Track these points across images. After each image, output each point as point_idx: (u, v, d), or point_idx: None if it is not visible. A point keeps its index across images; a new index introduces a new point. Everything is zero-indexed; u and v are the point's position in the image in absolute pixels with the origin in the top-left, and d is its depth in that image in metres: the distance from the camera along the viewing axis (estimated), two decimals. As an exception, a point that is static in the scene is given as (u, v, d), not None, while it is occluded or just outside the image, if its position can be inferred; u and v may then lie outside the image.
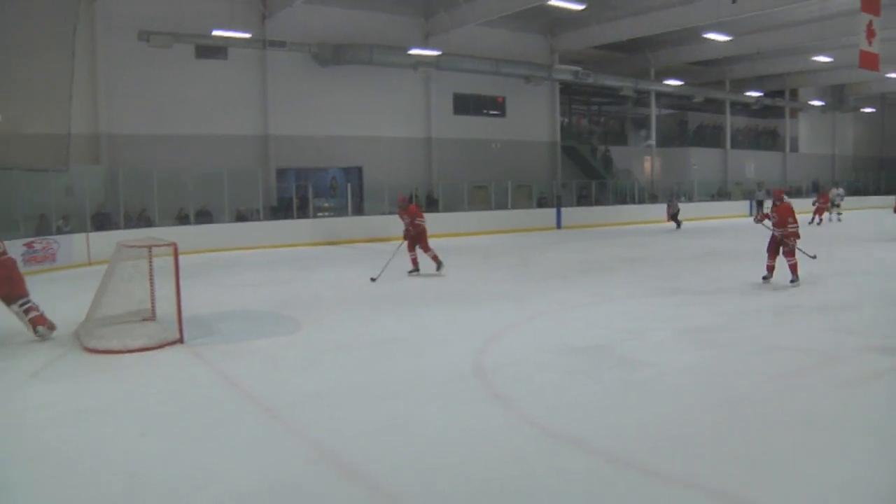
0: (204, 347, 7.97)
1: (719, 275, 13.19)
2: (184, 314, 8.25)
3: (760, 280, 11.57)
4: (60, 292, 11.44)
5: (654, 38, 29.23)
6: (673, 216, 25.96)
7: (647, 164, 35.62)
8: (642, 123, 36.15)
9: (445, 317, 9.69)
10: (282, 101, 23.74)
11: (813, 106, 41.94)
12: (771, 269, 11.55)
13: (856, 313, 9.37)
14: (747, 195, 35.07)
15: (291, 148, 24.06)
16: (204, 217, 20.70)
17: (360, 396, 6.10)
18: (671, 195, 29.31)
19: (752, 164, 39.86)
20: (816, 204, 27.09)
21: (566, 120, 33.99)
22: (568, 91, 33.58)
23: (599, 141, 35.15)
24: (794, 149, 43.05)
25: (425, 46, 25.44)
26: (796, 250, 11.44)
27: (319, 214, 23.63)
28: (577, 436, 5.01)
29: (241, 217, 21.57)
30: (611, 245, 19.97)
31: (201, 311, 9.92)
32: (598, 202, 30.51)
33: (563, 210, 27.77)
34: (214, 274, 14.55)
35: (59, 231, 17.11)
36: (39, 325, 8.38)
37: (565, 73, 29.57)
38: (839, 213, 28.54)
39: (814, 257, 12.88)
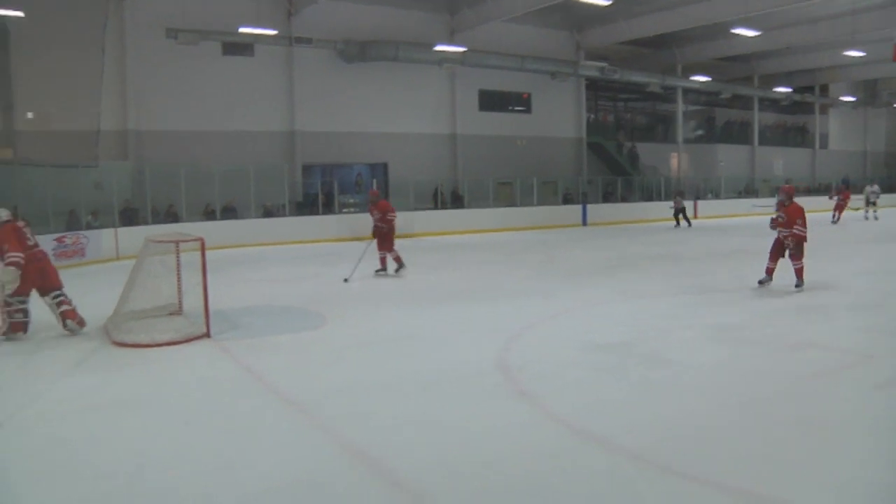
0: (230, 342, 8.03)
1: (747, 272, 12.98)
2: (210, 309, 8.31)
3: (756, 284, 10.93)
4: (89, 286, 11.58)
5: (681, 34, 28.93)
6: (677, 213, 25.50)
7: (674, 160, 35.31)
8: (674, 119, 35.75)
9: (470, 313, 9.68)
10: (308, 97, 23.84)
11: (844, 101, 41.30)
12: (770, 271, 10.89)
13: (887, 313, 9.23)
14: (775, 192, 34.59)
15: (317, 144, 24.15)
16: (230, 213, 20.87)
17: (385, 392, 6.11)
18: (675, 192, 28.35)
19: (781, 161, 39.37)
20: (836, 201, 26.08)
21: (592, 116, 33.78)
22: (594, 87, 33.36)
23: (626, 137, 34.89)
24: (824, 145, 42.44)
25: (451, 43, 25.39)
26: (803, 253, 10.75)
27: (345, 210, 23.70)
28: (600, 433, 4.98)
29: (267, 213, 21.71)
30: (637, 242, 19.83)
31: (227, 305, 9.98)
32: (624, 199, 30.32)
33: (589, 207, 27.58)
34: (240, 269, 14.64)
35: (89, 226, 17.33)
36: (69, 318, 8.49)
37: (591, 69, 29.36)
38: (875, 212, 27.72)
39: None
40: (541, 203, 26.91)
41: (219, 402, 5.96)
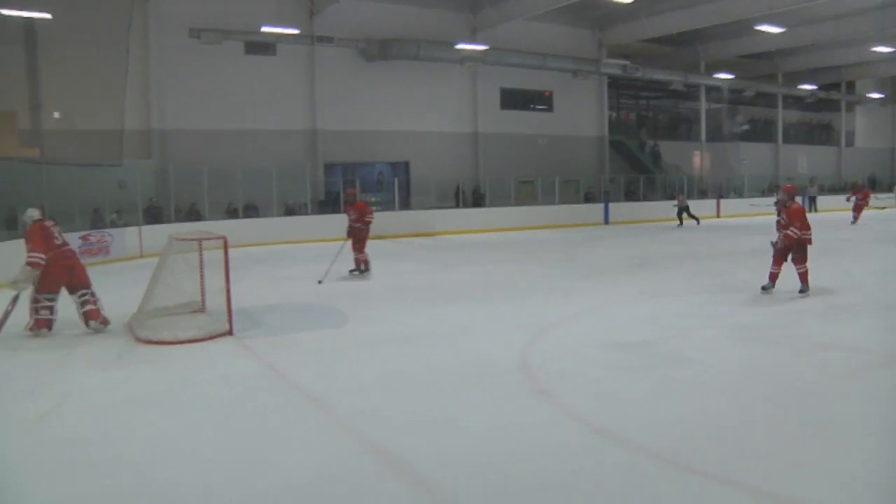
0: (252, 339, 8.08)
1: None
2: (233, 306, 8.36)
3: (760, 290, 10.29)
4: (114, 284, 11.68)
5: (704, 31, 28.70)
6: (680, 213, 25.22)
7: (697, 159, 35.06)
8: (697, 117, 35.46)
9: (492, 311, 9.68)
10: (329, 96, 23.93)
11: (871, 98, 40.78)
12: (773, 277, 10.26)
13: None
14: (799, 191, 34.18)
15: (339, 143, 24.24)
16: (252, 211, 21.00)
17: (406, 389, 6.13)
18: (677, 190, 27.86)
19: (805, 160, 38.93)
20: (854, 201, 25.29)
21: (614, 114, 33.63)
22: (616, 85, 33.20)
23: (648, 135, 34.68)
24: (850, 143, 41.91)
25: (472, 41, 25.37)
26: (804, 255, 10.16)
27: (367, 209, 23.74)
28: (620, 432, 4.96)
29: (289, 211, 21.83)
30: (659, 241, 19.71)
31: (250, 303, 10.04)
32: (647, 197, 30.12)
33: (611, 205, 27.47)
34: (263, 267, 14.73)
35: (113, 224, 17.52)
36: (92, 319, 8.57)
37: (613, 67, 29.24)
38: None
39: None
40: (562, 202, 26.83)
41: (241, 399, 6.00)
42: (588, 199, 28.18)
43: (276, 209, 21.39)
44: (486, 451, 4.71)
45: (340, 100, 24.11)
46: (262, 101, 22.74)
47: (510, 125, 28.20)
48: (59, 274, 8.45)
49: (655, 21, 26.56)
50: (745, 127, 38.51)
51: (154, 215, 19.03)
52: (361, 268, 13.17)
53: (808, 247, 10.13)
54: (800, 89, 36.93)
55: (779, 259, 10.23)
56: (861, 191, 26.20)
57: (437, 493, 4.18)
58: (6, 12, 17.55)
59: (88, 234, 15.94)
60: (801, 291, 10.08)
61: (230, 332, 8.25)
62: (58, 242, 8.57)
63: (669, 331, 8.10)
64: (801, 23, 27.00)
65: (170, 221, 18.79)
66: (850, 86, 40.57)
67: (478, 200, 25.58)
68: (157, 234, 15.32)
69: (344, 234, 13.51)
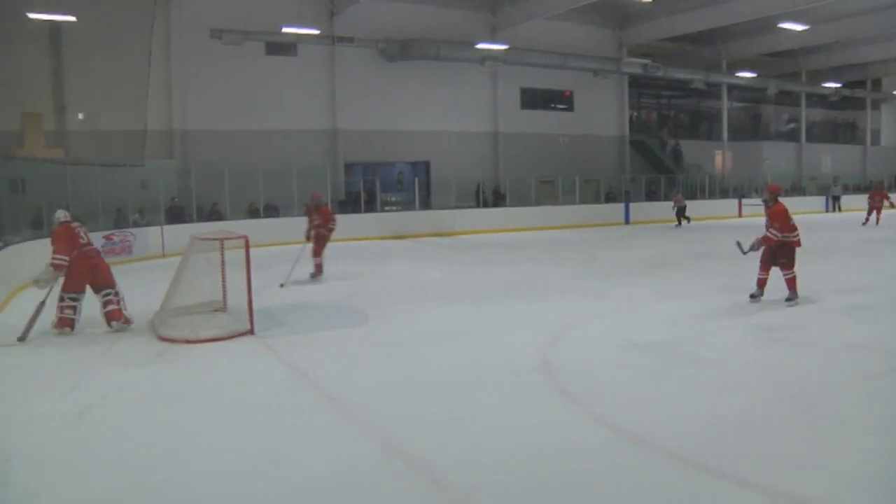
0: (273, 339, 8.12)
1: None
2: (254, 306, 8.41)
3: (749, 299, 9.64)
4: (136, 283, 11.78)
5: (725, 29, 28.51)
6: (679, 213, 24.95)
7: (719, 158, 34.79)
8: (719, 116, 35.17)
9: (512, 311, 9.67)
10: (350, 96, 24.01)
11: (898, 96, 40.25)
12: (762, 282, 9.61)
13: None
14: (822, 190, 33.92)
15: (359, 142, 24.31)
16: (273, 211, 21.10)
17: (427, 389, 6.14)
18: (675, 191, 27.26)
19: (829, 159, 38.50)
20: (870, 202, 23.98)
21: (635, 114, 33.46)
22: (637, 84, 33.00)
23: (669, 135, 34.46)
24: (876, 142, 41.38)
25: (492, 41, 25.34)
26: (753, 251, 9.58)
27: (387, 208, 23.85)
28: (641, 432, 4.93)
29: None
30: (680, 241, 19.59)
31: (271, 302, 10.11)
32: (668, 197, 29.90)
33: (632, 205, 27.35)
34: (284, 267, 14.76)
35: (136, 224, 17.68)
36: (114, 319, 8.67)
37: (634, 66, 29.11)
38: None
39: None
40: (583, 201, 26.76)
41: (261, 398, 6.03)
42: (609, 198, 28.08)
43: (296, 209, 21.45)
44: (505, 451, 4.70)
45: (361, 100, 24.19)
46: (283, 101, 22.87)
47: (530, 125, 28.15)
48: (82, 273, 8.56)
49: (676, 20, 26.41)
50: (770, 127, 38.15)
51: (176, 215, 19.18)
52: (314, 272, 13.07)
53: (797, 249, 9.54)
54: (824, 87, 36.52)
55: (766, 264, 9.59)
56: (879, 192, 24.56)
57: (456, 492, 4.18)
58: (33, 16, 17.80)
59: (112, 234, 16.10)
60: (787, 299, 9.42)
61: (251, 332, 8.29)
62: (82, 242, 8.68)
63: (689, 331, 8.05)
64: (825, 20, 26.71)
65: (191, 221, 18.93)
66: (876, 83, 40.07)
67: (498, 200, 25.57)
68: (178, 233, 15.45)
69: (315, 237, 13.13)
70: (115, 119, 19.80)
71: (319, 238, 13.03)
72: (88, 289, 8.71)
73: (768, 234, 9.36)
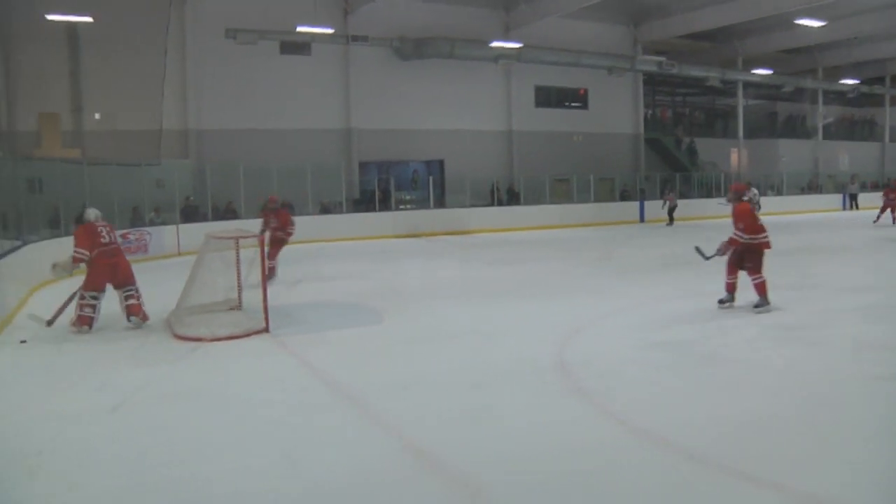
0: (288, 337, 8.13)
1: (811, 271, 12.67)
2: (269, 304, 8.43)
3: (717, 304, 9.11)
4: (152, 281, 11.81)
5: (741, 26, 28.31)
6: (671, 212, 24.78)
7: (734, 156, 34.56)
8: (734, 114, 34.93)
9: (528, 310, 9.63)
10: (364, 94, 24.04)
11: (918, 92, 39.77)
12: (730, 287, 9.05)
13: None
14: (840, 188, 33.63)
15: (374, 141, 24.33)
16: (288, 209, 21.09)
17: (443, 387, 6.12)
18: (667, 189, 26.86)
19: (846, 156, 38.13)
20: (884, 199, 23.17)
21: (650, 112, 33.31)
22: (652, 82, 32.88)
23: (684, 133, 34.27)
24: (895, 138, 40.97)
25: (506, 39, 25.29)
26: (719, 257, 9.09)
27: (401, 207, 23.86)
28: (657, 431, 4.89)
29: (324, 210, 21.97)
30: (696, 239, 19.14)
31: (286, 301, 10.13)
32: (683, 195, 29.75)
33: (647, 203, 27.18)
34: (298, 265, 14.81)
35: (152, 223, 17.77)
36: (133, 314, 8.78)
37: (649, 63, 28.95)
38: None
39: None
40: (598, 200, 26.65)
41: (277, 396, 6.03)
42: (623, 197, 27.96)
43: (311, 207, 21.53)
44: (522, 449, 4.68)
45: (375, 98, 24.21)
46: (298, 100, 22.91)
47: (545, 123, 28.07)
48: (102, 272, 8.68)
49: (691, 17, 26.27)
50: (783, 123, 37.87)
51: (191, 214, 19.27)
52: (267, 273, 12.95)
53: (767, 252, 8.93)
54: (841, 84, 36.18)
55: (732, 267, 9.01)
56: (891, 190, 23.44)
57: (472, 489, 4.15)
58: (50, 17, 17.94)
59: (128, 233, 16.19)
60: (756, 306, 8.83)
61: (266, 330, 8.30)
62: (104, 241, 8.80)
63: (707, 330, 7.99)
64: (843, 16, 26.42)
65: (206, 220, 19.01)
66: (895, 79, 39.64)
67: (512, 198, 25.52)
68: (194, 232, 15.49)
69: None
70: (131, 119, 19.92)
71: (276, 241, 12.89)
72: (109, 288, 8.81)
73: (733, 235, 8.83)
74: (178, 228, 17.80)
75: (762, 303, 8.82)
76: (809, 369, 6.44)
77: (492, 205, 24.87)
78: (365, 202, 23.26)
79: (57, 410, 5.72)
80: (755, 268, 8.83)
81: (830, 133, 38.45)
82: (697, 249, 9.36)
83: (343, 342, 7.94)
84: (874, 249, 16.34)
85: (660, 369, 6.50)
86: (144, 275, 12.33)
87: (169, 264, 15.46)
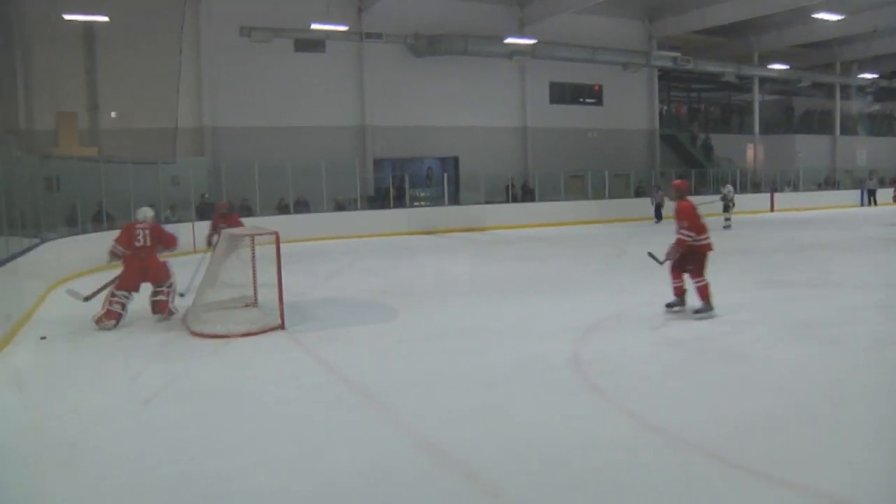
0: (303, 333, 8.16)
1: (829, 268, 12.58)
2: (284, 301, 8.47)
3: (664, 308, 8.78)
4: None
5: (757, 21, 28.06)
6: (658, 209, 24.58)
7: (750, 151, 34.32)
8: (750, 109, 34.66)
9: (542, 306, 9.62)
10: (378, 92, 24.07)
11: (939, 86, 39.29)
12: (679, 291, 8.67)
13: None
14: (857, 184, 33.32)
15: (388, 138, 24.38)
16: (302, 207, 21.23)
17: (457, 384, 6.12)
18: (654, 186, 26.37)
19: (864, 152, 37.74)
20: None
21: (665, 107, 33.12)
22: (667, 78, 32.71)
23: (700, 128, 34.07)
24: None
25: (520, 35, 25.25)
26: (671, 262, 8.62)
27: (416, 204, 23.87)
28: (673, 429, 4.88)
29: (339, 207, 22.01)
30: (712, 235, 19.28)
31: (301, 298, 10.17)
32: (698, 191, 29.57)
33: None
34: (313, 262, 14.88)
35: (167, 220, 17.84)
36: (159, 311, 9.09)
37: (664, 59, 28.81)
38: None
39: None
40: (613, 196, 26.56)
41: (292, 392, 6.06)
42: (639, 193, 27.82)
43: (326, 205, 21.59)
44: (536, 446, 4.68)
45: (389, 95, 24.24)
46: (312, 97, 22.98)
47: (559, 119, 28.00)
48: (134, 273, 8.95)
49: (707, 12, 26.10)
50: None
51: (206, 211, 19.32)
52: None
53: (709, 254, 8.56)
54: (859, 78, 35.82)
55: (676, 271, 8.63)
56: None
57: (487, 486, 4.16)
58: (68, 17, 18.08)
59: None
60: (696, 311, 8.37)
61: (282, 327, 8.34)
62: (137, 244, 9.02)
63: (723, 327, 7.95)
64: (861, 9, 26.19)
65: (222, 217, 19.08)
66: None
67: (527, 195, 25.48)
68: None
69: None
70: (147, 117, 20.07)
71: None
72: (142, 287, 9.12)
73: (680, 236, 8.43)
74: (193, 226, 17.83)
75: (704, 308, 8.36)
76: (826, 367, 6.40)
77: (506, 201, 24.85)
78: (379, 199, 23.29)
79: (81, 407, 5.76)
80: (697, 270, 8.44)
81: (848, 128, 38.04)
82: (651, 255, 9.00)
83: (357, 339, 7.96)
84: (890, 246, 16.20)
85: (674, 366, 6.48)
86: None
87: (185, 262, 15.50)
